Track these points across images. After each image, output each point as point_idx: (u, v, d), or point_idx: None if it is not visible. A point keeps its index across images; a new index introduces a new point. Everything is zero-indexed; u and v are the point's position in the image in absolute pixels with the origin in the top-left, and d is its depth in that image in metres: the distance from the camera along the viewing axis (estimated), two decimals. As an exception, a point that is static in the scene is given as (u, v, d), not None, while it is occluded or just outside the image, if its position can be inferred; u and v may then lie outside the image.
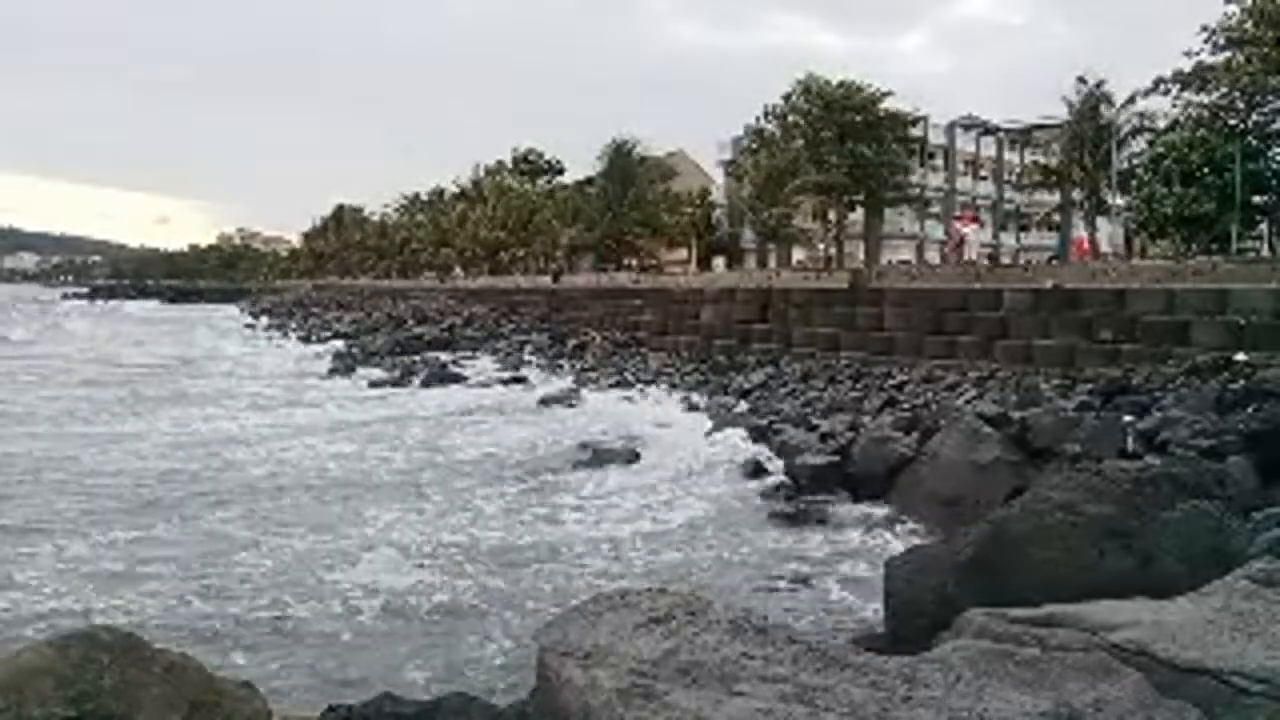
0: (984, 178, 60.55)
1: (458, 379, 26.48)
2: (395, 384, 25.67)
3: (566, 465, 14.02)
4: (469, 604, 7.93)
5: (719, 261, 54.91)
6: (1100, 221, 38.33)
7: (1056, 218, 47.62)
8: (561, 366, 28.51)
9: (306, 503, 11.60)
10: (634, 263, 53.05)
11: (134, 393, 22.72)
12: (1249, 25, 25.65)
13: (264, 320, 64.17)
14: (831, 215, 43.08)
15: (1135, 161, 33.97)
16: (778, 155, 43.24)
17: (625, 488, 12.50)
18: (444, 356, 31.58)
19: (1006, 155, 59.56)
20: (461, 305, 50.33)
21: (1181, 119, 29.71)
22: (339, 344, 38.40)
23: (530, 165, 69.94)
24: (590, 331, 33.52)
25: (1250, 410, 10.52)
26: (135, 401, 21.14)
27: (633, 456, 14.37)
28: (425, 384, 25.48)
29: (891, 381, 18.53)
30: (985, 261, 31.36)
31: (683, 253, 56.48)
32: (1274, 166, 28.95)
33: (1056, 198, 44.03)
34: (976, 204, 59.30)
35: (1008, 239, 58.99)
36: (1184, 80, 27.96)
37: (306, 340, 44.92)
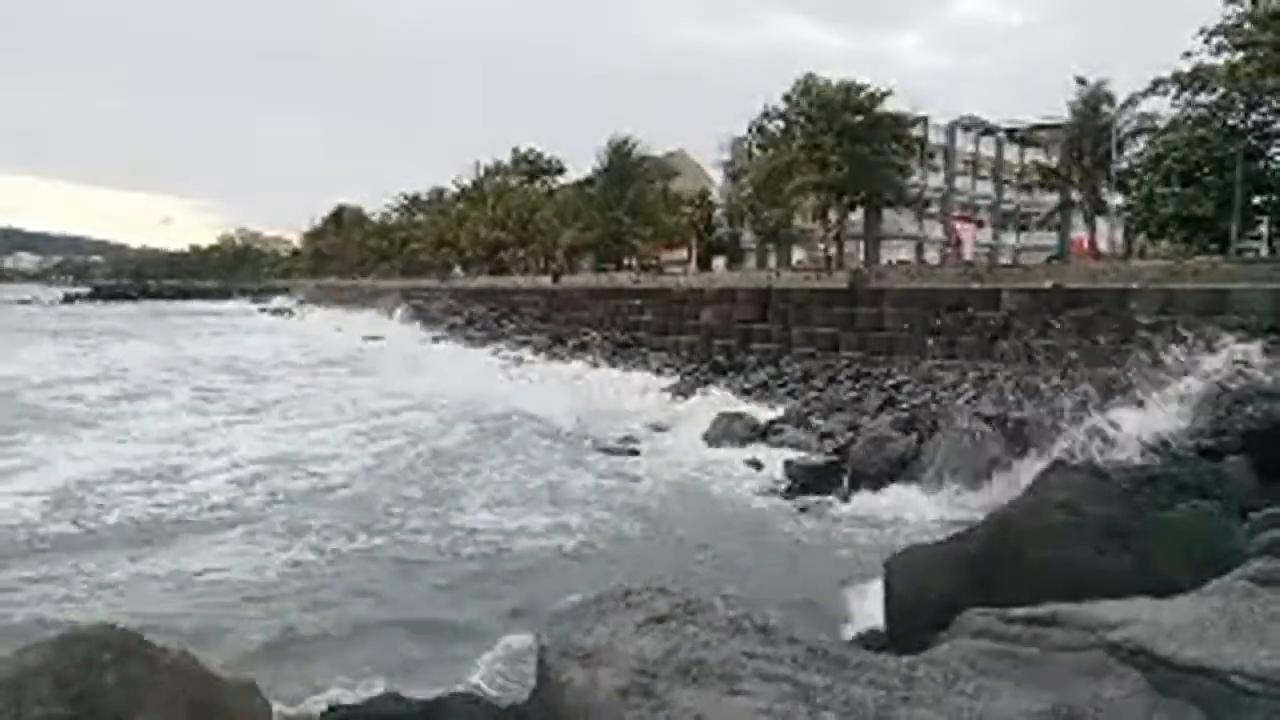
0: (984, 178, 60.52)
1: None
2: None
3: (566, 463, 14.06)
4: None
5: (719, 261, 54.89)
6: (1100, 221, 38.34)
7: (1056, 218, 47.63)
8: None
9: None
10: (634, 263, 53.06)
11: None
12: (1248, 26, 25.64)
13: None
14: (831, 215, 43.08)
15: (1135, 161, 33.99)
16: (778, 155, 43.24)
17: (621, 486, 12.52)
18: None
19: (1006, 155, 59.56)
20: (462, 305, 50.36)
21: (1181, 119, 29.71)
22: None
23: (530, 165, 69.92)
24: (590, 331, 33.52)
25: (1249, 410, 10.51)
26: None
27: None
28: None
29: (891, 381, 18.54)
30: (984, 260, 31.36)
31: (683, 253, 56.46)
32: (1274, 166, 28.95)
33: (1056, 198, 44.04)
34: (976, 204, 59.29)
35: (1007, 239, 58.99)
36: (1183, 81, 27.95)
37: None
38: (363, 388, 24.11)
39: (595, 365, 27.87)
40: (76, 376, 26.20)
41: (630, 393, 22.39)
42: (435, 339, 42.35)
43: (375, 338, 43.25)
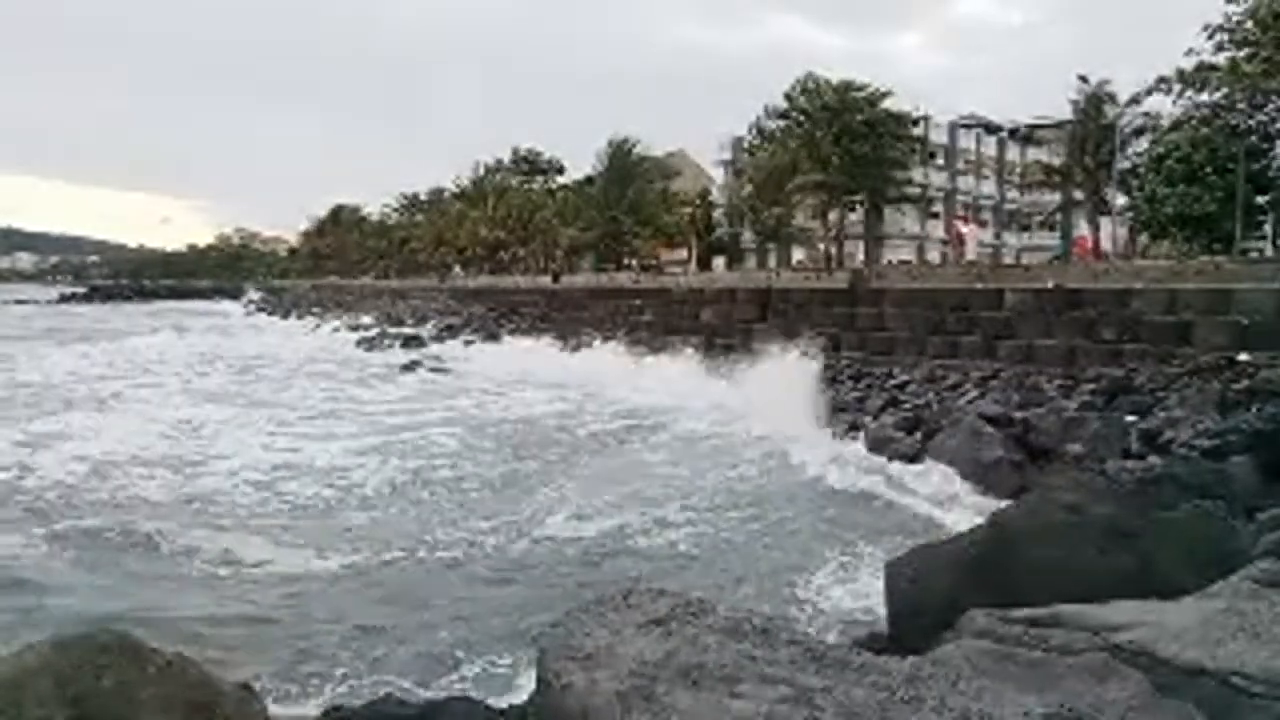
0: (986, 177, 60.42)
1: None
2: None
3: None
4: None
5: (719, 261, 54.88)
6: (1102, 221, 38.29)
7: (1058, 217, 47.57)
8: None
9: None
10: (634, 263, 53.05)
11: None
12: (1250, 25, 25.61)
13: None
14: (831, 215, 43.06)
15: (1137, 161, 33.93)
16: (779, 153, 43.24)
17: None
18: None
19: (1008, 155, 59.47)
20: (461, 305, 50.33)
21: (1184, 118, 29.66)
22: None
23: (530, 165, 69.94)
24: (591, 331, 33.51)
25: (1253, 410, 10.50)
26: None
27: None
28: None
29: (893, 381, 18.49)
30: (986, 260, 31.35)
31: (683, 253, 56.47)
32: (1277, 166, 28.89)
33: (1058, 197, 44.01)
34: (978, 204, 59.20)
35: (1010, 239, 58.90)
36: (1186, 80, 27.90)
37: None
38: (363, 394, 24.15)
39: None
40: (92, 375, 26.38)
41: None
42: (434, 338, 42.39)
43: (374, 339, 43.20)
